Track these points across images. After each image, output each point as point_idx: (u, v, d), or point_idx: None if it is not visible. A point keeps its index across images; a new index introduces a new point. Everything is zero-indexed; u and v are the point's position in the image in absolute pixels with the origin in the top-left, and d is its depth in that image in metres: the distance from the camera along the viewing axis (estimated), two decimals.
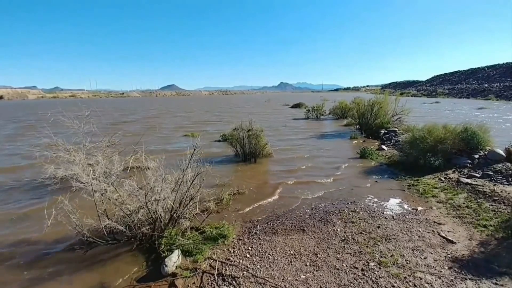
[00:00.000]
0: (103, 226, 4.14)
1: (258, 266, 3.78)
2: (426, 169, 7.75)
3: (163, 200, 4.16)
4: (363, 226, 4.89)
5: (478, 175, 6.92)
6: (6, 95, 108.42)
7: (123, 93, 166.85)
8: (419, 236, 4.51)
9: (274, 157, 9.96)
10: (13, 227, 5.19)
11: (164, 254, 3.96)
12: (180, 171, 4.61)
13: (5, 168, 9.26)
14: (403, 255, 3.97)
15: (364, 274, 3.56)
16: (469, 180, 6.73)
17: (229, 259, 3.97)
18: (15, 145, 13.35)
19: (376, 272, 3.59)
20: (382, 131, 13.72)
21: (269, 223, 5.13)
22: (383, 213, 5.44)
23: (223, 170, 8.36)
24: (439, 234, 4.56)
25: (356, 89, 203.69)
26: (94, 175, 4.42)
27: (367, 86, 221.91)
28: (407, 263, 3.79)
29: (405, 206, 5.75)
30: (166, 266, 3.66)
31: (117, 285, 3.54)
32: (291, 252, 4.13)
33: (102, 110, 38.15)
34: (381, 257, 3.93)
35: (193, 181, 4.50)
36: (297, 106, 37.14)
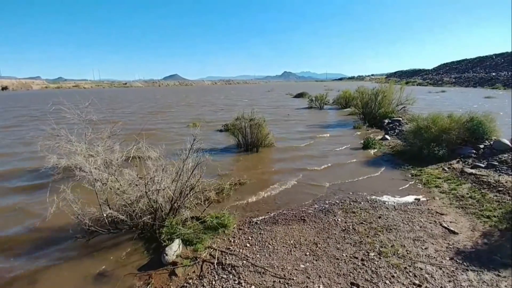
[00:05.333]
0: (104, 215, 4.17)
1: (258, 256, 3.79)
2: (430, 159, 7.66)
3: (163, 190, 4.15)
4: (364, 216, 4.86)
5: (483, 165, 6.83)
6: (11, 86, 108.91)
7: (126, 83, 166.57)
8: (420, 227, 4.48)
9: (276, 147, 9.92)
10: (16, 216, 5.25)
11: (165, 243, 3.97)
12: (180, 161, 4.60)
13: (7, 154, 9.34)
14: (404, 246, 3.95)
15: (364, 264, 3.56)
16: (473, 170, 6.64)
17: (229, 248, 3.98)
18: (20, 134, 13.45)
19: (376, 262, 3.58)
20: (386, 121, 13.56)
21: (269, 212, 5.13)
22: (384, 203, 5.41)
23: (224, 160, 8.35)
24: (441, 224, 4.52)
25: (360, 78, 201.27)
26: (95, 165, 4.43)
27: (372, 75, 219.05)
28: (407, 253, 3.77)
29: (407, 196, 5.71)
30: (166, 255, 3.68)
31: (119, 273, 3.57)
32: (291, 241, 4.13)
33: (107, 101, 38.15)
34: (382, 247, 3.92)
35: (193, 171, 4.48)
36: (300, 95, 36.79)
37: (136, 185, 4.39)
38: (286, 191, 6.18)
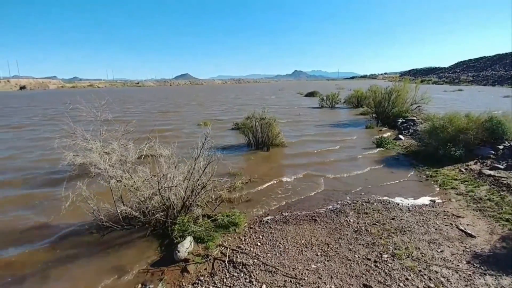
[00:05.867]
0: (118, 211, 4.25)
1: (268, 255, 3.78)
2: (446, 160, 7.46)
3: (175, 187, 4.19)
4: (377, 217, 4.78)
5: (502, 167, 6.60)
6: (28, 85, 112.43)
7: (138, 83, 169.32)
8: (436, 229, 4.37)
9: (287, 146, 9.87)
10: (35, 210, 5.41)
11: (177, 240, 4.02)
12: (192, 160, 4.63)
13: (27, 153, 9.64)
14: (419, 248, 3.86)
15: (376, 266, 3.50)
16: (492, 172, 6.43)
17: (240, 247, 3.99)
18: (37, 132, 13.86)
19: (390, 264, 3.52)
20: (400, 120, 13.30)
21: (280, 212, 5.12)
22: (398, 204, 5.31)
23: (235, 159, 8.37)
24: (457, 227, 4.40)
25: (373, 76, 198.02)
26: (110, 162, 4.52)
27: (385, 73, 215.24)
28: (422, 256, 3.69)
29: (422, 198, 5.58)
30: (178, 252, 3.72)
31: (132, 269, 3.63)
32: (302, 241, 4.11)
33: (121, 100, 38.82)
34: (395, 249, 3.84)
35: (204, 170, 4.51)
36: (311, 94, 36.49)
37: (149, 182, 4.45)
38: (297, 190, 6.15)
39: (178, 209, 4.53)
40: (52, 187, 6.52)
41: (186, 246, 3.83)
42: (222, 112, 21.85)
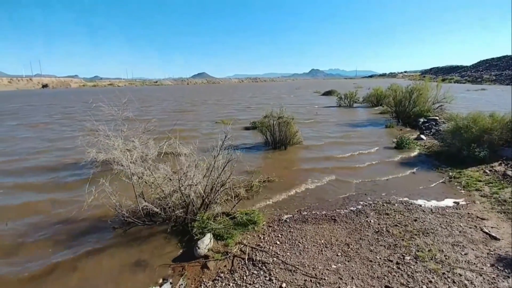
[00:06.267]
0: (140, 207, 4.36)
1: (288, 254, 3.78)
2: (470, 161, 7.19)
3: (196, 185, 4.26)
4: (399, 218, 4.68)
5: None
6: (51, 84, 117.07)
7: (156, 82, 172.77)
8: (459, 231, 4.23)
9: (305, 145, 9.81)
10: (60, 206, 5.62)
11: (197, 237, 4.09)
12: (211, 158, 4.69)
13: (51, 150, 10.06)
14: (442, 250, 3.76)
15: (399, 268, 3.43)
16: None
17: (259, 245, 4.01)
18: (61, 129, 14.42)
19: (412, 266, 3.44)
20: (421, 120, 12.92)
21: (299, 211, 5.10)
22: (420, 205, 5.17)
23: (253, 158, 8.40)
24: (481, 229, 4.25)
25: (392, 75, 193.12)
26: (131, 159, 4.65)
27: (405, 72, 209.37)
28: (446, 258, 3.59)
29: (446, 200, 5.41)
30: (198, 248, 3.78)
31: (154, 263, 3.73)
32: (322, 241, 4.08)
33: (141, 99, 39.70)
34: (418, 251, 3.75)
35: (224, 168, 4.56)
36: (328, 93, 36.06)
37: (170, 179, 4.55)
38: (316, 190, 6.11)
39: (197, 206, 4.60)
40: (76, 183, 6.78)
41: (206, 243, 3.88)
42: (238, 111, 21.94)
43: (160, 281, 3.41)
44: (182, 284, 3.30)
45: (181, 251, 4.00)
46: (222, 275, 3.41)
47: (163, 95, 49.64)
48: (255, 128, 12.16)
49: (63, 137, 12.67)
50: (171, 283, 3.33)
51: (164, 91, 70.77)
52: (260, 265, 3.55)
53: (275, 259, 3.66)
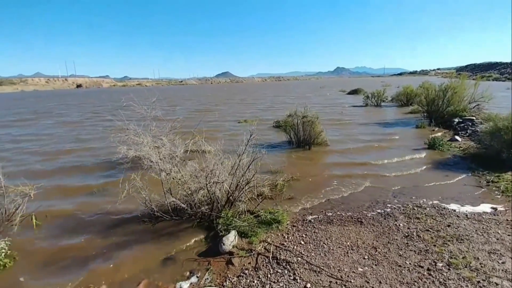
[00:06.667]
0: (168, 202, 4.51)
1: (312, 254, 3.74)
2: (510, 164, 6.71)
3: (222, 182, 4.32)
4: (430, 223, 4.47)
5: None
6: (84, 84, 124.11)
7: (181, 81, 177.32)
8: (497, 239, 3.97)
9: (330, 145, 9.63)
10: (94, 199, 5.94)
11: (222, 234, 4.15)
12: (236, 156, 4.74)
13: (85, 147, 10.64)
14: (477, 258, 3.54)
15: (430, 274, 3.27)
16: None
17: (283, 244, 4.00)
18: (93, 127, 15.21)
19: (445, 273, 3.27)
20: (456, 120, 12.23)
21: (324, 212, 5.02)
22: (454, 210, 4.90)
23: (276, 157, 8.37)
24: None
25: (424, 72, 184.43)
26: (160, 156, 4.81)
27: (438, 69, 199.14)
28: (481, 266, 3.37)
29: (482, 205, 5.09)
30: (223, 244, 3.84)
31: (181, 257, 3.84)
32: (348, 243, 3.99)
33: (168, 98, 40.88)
34: (451, 257, 3.56)
35: (249, 166, 4.59)
36: (354, 92, 35.09)
37: (196, 176, 4.65)
38: (341, 190, 5.97)
39: (222, 204, 4.67)
40: (108, 178, 7.12)
41: (230, 240, 3.93)
42: (261, 110, 21.97)
43: (187, 274, 3.50)
44: (208, 278, 3.37)
45: (206, 246, 4.08)
46: (246, 271, 3.44)
47: (187, 94, 50.80)
48: (278, 127, 12.12)
49: (95, 134, 13.35)
50: (197, 276, 3.41)
51: (188, 90, 72.44)
52: (284, 264, 3.54)
53: (299, 259, 3.63)
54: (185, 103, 30.97)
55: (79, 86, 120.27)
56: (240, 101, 31.52)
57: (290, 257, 3.66)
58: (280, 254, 3.75)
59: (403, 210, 4.96)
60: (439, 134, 10.99)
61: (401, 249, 3.80)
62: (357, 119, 15.77)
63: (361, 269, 3.40)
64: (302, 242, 4.03)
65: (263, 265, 3.55)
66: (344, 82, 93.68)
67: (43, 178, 7.25)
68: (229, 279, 3.33)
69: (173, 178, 4.80)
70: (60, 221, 5.04)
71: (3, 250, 3.76)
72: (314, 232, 4.31)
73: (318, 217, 4.80)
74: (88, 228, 4.75)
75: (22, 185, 4.96)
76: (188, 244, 4.15)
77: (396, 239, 4.05)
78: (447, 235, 4.10)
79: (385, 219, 4.68)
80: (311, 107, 10.04)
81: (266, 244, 4.00)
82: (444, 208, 4.99)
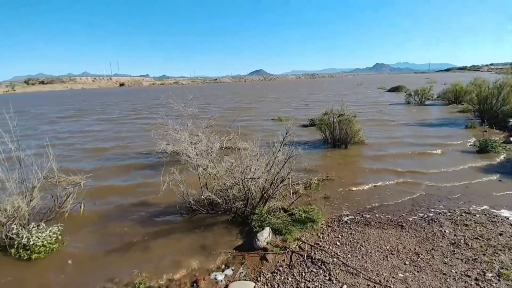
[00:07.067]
0: (204, 197, 4.65)
1: (349, 256, 3.63)
2: None
3: (258, 178, 4.35)
4: (480, 231, 4.12)
5: None
6: (126, 82, 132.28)
7: (216, 79, 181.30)
8: None
9: (367, 145, 9.27)
10: (136, 190, 6.30)
11: (256, 229, 4.19)
12: (271, 153, 4.75)
13: (126, 143, 11.30)
14: None
15: (478, 284, 3.03)
16: None
17: (318, 243, 3.93)
18: (135, 123, 16.12)
19: (494, 284, 3.02)
20: (511, 120, 11.13)
21: (361, 213, 4.85)
22: (508, 218, 4.47)
23: (311, 155, 8.22)
24: None
25: (475, 68, 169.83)
26: (197, 152, 4.97)
27: (491, 64, 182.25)
28: None
29: None
30: (258, 240, 3.87)
31: (216, 249, 3.94)
32: (387, 247, 3.82)
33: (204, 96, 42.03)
34: (502, 268, 3.27)
35: (284, 164, 4.57)
36: (395, 89, 33.34)
37: (232, 172, 4.73)
38: (379, 192, 5.73)
39: (256, 200, 4.71)
40: (149, 171, 7.51)
41: (265, 236, 3.95)
42: (295, 108, 21.74)
43: (222, 266, 3.59)
44: (242, 272, 3.43)
45: (240, 241, 4.15)
46: (280, 268, 3.44)
47: (221, 92, 51.79)
48: (313, 126, 11.91)
49: (136, 131, 14.13)
50: (232, 269, 3.48)
51: (222, 88, 73.81)
52: (319, 263, 3.48)
53: (335, 259, 3.55)
54: (218, 101, 31.64)
55: (122, 84, 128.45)
56: (273, 99, 31.45)
57: (325, 257, 3.60)
58: (315, 253, 3.70)
59: (449, 215, 4.64)
60: (492, 135, 10.06)
61: (447, 257, 3.56)
62: (398, 118, 14.98)
63: (402, 275, 3.24)
64: (338, 243, 3.93)
65: (297, 264, 3.53)
66: (383, 79, 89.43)
67: (87, 171, 7.82)
68: (263, 275, 3.35)
69: (209, 174, 4.93)
70: (106, 209, 5.41)
71: (55, 235, 4.11)
72: (351, 233, 4.18)
73: (354, 219, 4.65)
74: (130, 217, 5.06)
75: (73, 176, 5.44)
76: (222, 237, 4.25)
77: (441, 246, 3.80)
78: (498, 244, 3.76)
79: (428, 224, 4.41)
80: (347, 106, 9.73)
81: (301, 242, 3.97)
82: (496, 215, 4.57)
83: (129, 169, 7.89)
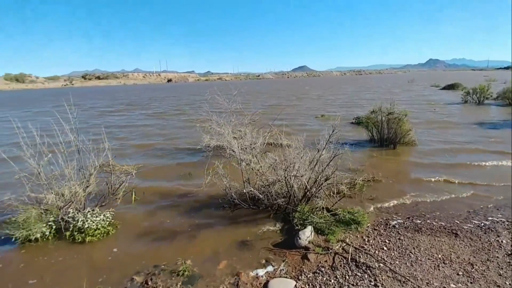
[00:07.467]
0: (246, 191, 4.74)
1: (397, 262, 3.46)
2: None
3: (301, 176, 4.32)
4: None
5: None
6: (173, 78, 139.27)
7: (258, 75, 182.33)
8: None
9: (419, 146, 8.66)
10: (181, 182, 6.61)
11: (297, 227, 4.17)
12: (315, 151, 4.67)
13: (172, 136, 11.91)
14: None
15: None
16: None
17: (363, 247, 3.80)
18: (181, 118, 16.92)
19: None
20: None
21: (410, 218, 4.57)
22: None
23: (356, 155, 7.90)
24: None
25: None
26: (241, 147, 5.07)
27: None
28: None
29: None
30: (299, 238, 3.85)
31: (257, 245, 3.99)
32: (439, 256, 3.56)
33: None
34: None
35: (329, 162, 4.47)
36: (450, 87, 30.64)
37: (275, 168, 4.76)
38: (431, 196, 5.35)
39: (299, 198, 4.68)
40: (193, 164, 7.84)
41: (307, 235, 3.92)
42: (339, 106, 21.06)
43: (263, 262, 3.63)
44: (283, 269, 3.44)
45: (281, 238, 4.16)
46: (322, 269, 3.39)
47: (263, 88, 51.94)
48: (359, 124, 11.45)
49: (180, 125, 14.82)
50: (273, 266, 3.52)
51: (265, 84, 74.02)
52: (364, 267, 3.37)
53: (381, 265, 3.40)
54: (261, 97, 31.81)
55: (169, 80, 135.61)
56: (317, 96, 30.79)
57: (371, 262, 3.46)
58: (359, 256, 3.58)
59: (507, 225, 4.20)
60: None
61: (502, 268, 3.24)
62: (453, 118, 13.77)
63: (454, 286, 3.01)
64: (385, 248, 3.76)
65: (340, 266, 3.44)
66: (437, 76, 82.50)
67: (135, 163, 8.38)
68: (304, 274, 3.33)
69: (252, 169, 5.01)
70: (153, 199, 5.75)
71: (108, 220, 4.46)
72: (399, 238, 3.97)
73: (403, 223, 4.40)
74: (175, 208, 5.32)
75: (126, 165, 5.88)
76: (264, 233, 4.29)
77: (497, 257, 3.47)
78: None
79: (485, 233, 4.03)
80: (397, 104, 9.16)
81: (344, 244, 3.87)
82: None
83: (175, 162, 8.30)
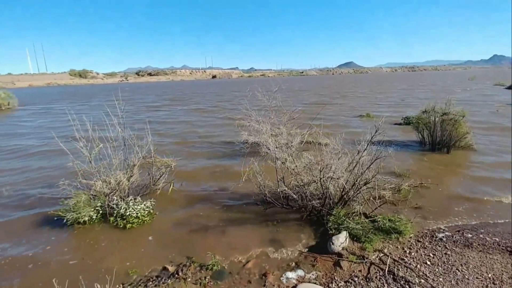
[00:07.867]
0: (280, 191, 4.64)
1: (440, 279, 3.11)
2: None
3: (337, 179, 4.10)
4: None
5: None
6: (218, 75, 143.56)
7: (302, 72, 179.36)
8: None
9: (477, 152, 7.75)
10: (218, 177, 6.73)
11: (331, 232, 3.97)
12: (355, 152, 4.40)
13: (211, 131, 12.18)
14: None
15: None
16: None
17: (403, 259, 3.49)
18: (219, 114, 17.26)
19: None
20: None
21: (461, 231, 4.09)
22: None
23: (402, 158, 7.35)
24: None
25: None
26: (277, 145, 4.97)
27: None
28: None
29: None
30: (333, 244, 3.67)
31: (288, 245, 3.90)
32: (489, 275, 3.13)
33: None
34: None
35: (370, 165, 4.17)
36: None
37: (310, 169, 4.58)
38: (487, 208, 4.77)
39: (335, 201, 4.46)
40: (230, 160, 7.92)
41: (341, 241, 3.72)
42: (386, 105, 19.74)
43: (293, 264, 3.53)
44: (313, 275, 3.30)
45: (314, 241, 4.00)
46: (356, 279, 3.18)
47: (306, 85, 50.86)
48: (407, 124, 10.63)
49: (220, 122, 15.10)
50: (303, 270, 3.39)
51: (308, 81, 72.45)
52: (402, 282, 3.08)
53: (422, 281, 3.08)
54: (302, 94, 31.19)
55: (214, 76, 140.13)
56: (362, 94, 29.27)
57: (411, 276, 3.16)
58: (398, 269, 3.29)
59: None
60: None
61: None
62: None
63: None
64: (428, 263, 3.41)
65: (376, 277, 3.20)
66: (503, 74, 73.10)
67: (175, 156, 8.71)
68: (335, 282, 3.16)
69: (287, 168, 4.89)
70: (189, 192, 5.92)
71: (148, 209, 4.69)
72: (446, 253, 3.57)
73: (452, 236, 3.95)
74: (209, 202, 5.43)
75: (166, 158, 6.15)
76: (294, 234, 4.18)
77: None
78: None
79: None
80: (454, 103, 8.27)
81: (382, 254, 3.59)
82: None
83: (212, 157, 8.45)
